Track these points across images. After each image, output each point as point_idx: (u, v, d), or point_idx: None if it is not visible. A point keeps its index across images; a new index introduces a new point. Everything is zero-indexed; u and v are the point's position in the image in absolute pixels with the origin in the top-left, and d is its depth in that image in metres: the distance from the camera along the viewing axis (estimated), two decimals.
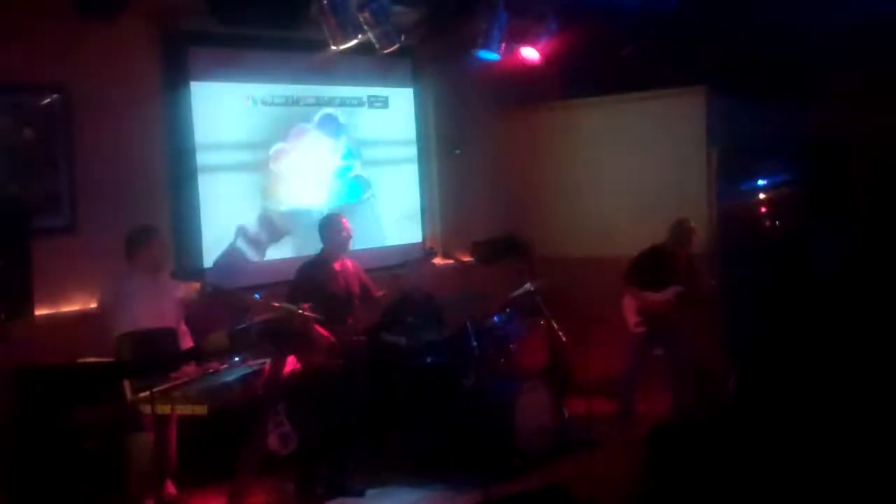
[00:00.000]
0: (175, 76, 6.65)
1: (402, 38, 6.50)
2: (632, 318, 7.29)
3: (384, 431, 6.87)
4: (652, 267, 7.23)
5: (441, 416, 6.62)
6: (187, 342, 5.39)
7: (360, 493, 6.10)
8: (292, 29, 6.65)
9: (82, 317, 5.77)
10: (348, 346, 5.89)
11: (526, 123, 9.05)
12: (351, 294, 6.04)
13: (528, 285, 6.97)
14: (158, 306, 5.33)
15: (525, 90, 8.83)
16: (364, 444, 6.41)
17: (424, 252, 6.35)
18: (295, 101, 7.41)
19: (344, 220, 6.12)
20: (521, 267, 8.28)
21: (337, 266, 6.02)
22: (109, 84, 6.24)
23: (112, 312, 5.17)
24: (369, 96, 7.97)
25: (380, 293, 6.22)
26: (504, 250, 8.78)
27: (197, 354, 4.95)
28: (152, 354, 4.67)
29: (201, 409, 4.70)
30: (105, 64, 6.22)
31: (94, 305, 5.57)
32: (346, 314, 5.96)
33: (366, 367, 6.23)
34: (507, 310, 7.01)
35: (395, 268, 7.03)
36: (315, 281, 5.86)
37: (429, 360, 6.82)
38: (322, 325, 5.59)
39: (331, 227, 6.07)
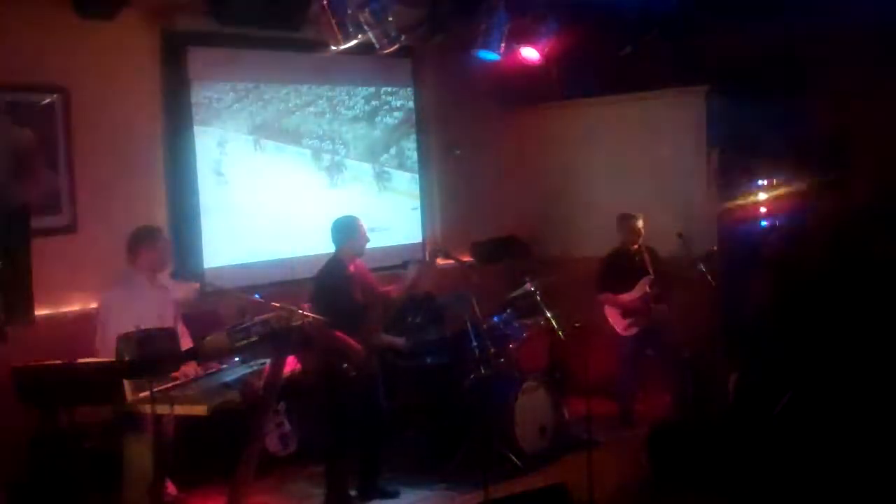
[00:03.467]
0: (175, 76, 6.65)
1: (402, 38, 6.50)
2: (618, 324, 7.31)
3: (384, 432, 6.88)
4: (617, 269, 7.31)
5: (441, 416, 6.62)
6: (186, 342, 5.38)
7: (395, 495, 6.07)
8: (292, 29, 6.65)
9: (82, 317, 5.76)
10: (371, 351, 5.89)
11: (526, 123, 9.04)
12: (367, 297, 5.98)
13: (528, 285, 6.97)
14: (158, 307, 5.32)
15: (525, 90, 8.83)
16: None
17: (432, 251, 6.34)
18: (295, 101, 7.42)
19: (362, 222, 5.97)
20: (521, 267, 8.29)
21: (352, 269, 5.94)
22: (109, 84, 6.25)
23: (112, 313, 5.16)
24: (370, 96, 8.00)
25: (385, 289, 6.16)
26: (504, 250, 8.78)
27: (197, 354, 4.93)
28: (152, 354, 4.65)
29: (201, 409, 4.69)
30: (105, 64, 6.23)
31: (94, 305, 5.57)
32: (368, 319, 5.93)
33: (380, 373, 6.21)
34: (507, 310, 7.02)
35: (396, 268, 7.02)
36: (335, 289, 5.77)
37: (429, 360, 6.83)
38: (345, 332, 5.60)
39: (349, 229, 5.90)
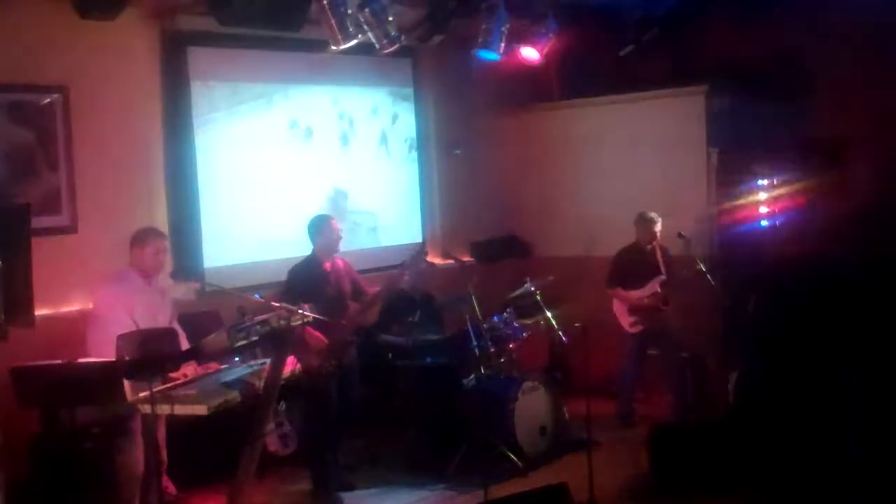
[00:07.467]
0: (175, 76, 6.65)
1: (402, 38, 6.50)
2: (625, 320, 7.33)
3: (384, 431, 6.87)
4: (630, 265, 7.33)
5: (441, 416, 6.62)
6: (181, 344, 5.39)
7: (351, 488, 6.12)
8: (292, 29, 6.65)
9: (82, 317, 5.76)
10: (341, 346, 5.90)
11: (526, 123, 9.05)
12: (342, 294, 6.04)
13: (528, 285, 6.98)
14: (152, 307, 5.31)
15: (525, 90, 8.83)
16: (362, 443, 6.39)
17: (417, 251, 6.35)
18: (295, 101, 7.42)
19: (334, 221, 6.15)
20: (521, 267, 8.29)
21: (328, 266, 6.04)
22: (109, 84, 6.25)
23: (104, 311, 5.16)
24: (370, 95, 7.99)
25: (372, 289, 6.18)
26: (504, 250, 8.78)
27: (197, 354, 4.93)
28: (152, 354, 4.66)
29: (201, 409, 4.70)
30: (105, 64, 6.23)
31: (92, 306, 5.57)
32: (338, 314, 5.96)
33: (356, 367, 6.21)
34: (507, 310, 7.02)
35: (393, 268, 7.02)
36: (307, 282, 5.87)
37: (429, 360, 6.83)
38: (315, 325, 5.60)
39: (322, 228, 6.07)
